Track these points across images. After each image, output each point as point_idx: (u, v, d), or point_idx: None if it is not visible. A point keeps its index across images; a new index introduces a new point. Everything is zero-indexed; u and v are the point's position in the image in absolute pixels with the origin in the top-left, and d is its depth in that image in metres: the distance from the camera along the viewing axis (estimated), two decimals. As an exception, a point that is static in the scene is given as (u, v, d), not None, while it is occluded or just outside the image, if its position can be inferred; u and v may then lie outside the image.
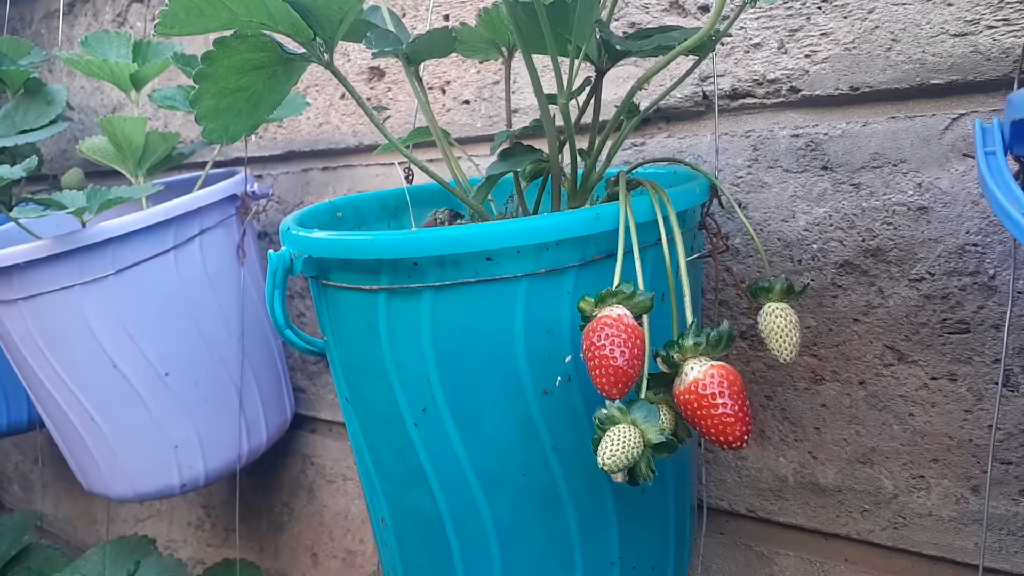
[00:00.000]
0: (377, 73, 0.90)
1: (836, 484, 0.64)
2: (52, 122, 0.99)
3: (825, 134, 0.61)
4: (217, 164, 1.02)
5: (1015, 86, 0.53)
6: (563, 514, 0.52)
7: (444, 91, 0.84)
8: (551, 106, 0.52)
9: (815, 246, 0.62)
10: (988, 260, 0.56)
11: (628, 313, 0.44)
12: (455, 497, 0.52)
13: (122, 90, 0.90)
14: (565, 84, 0.51)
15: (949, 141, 0.56)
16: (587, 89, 0.55)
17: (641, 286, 0.46)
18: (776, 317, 0.52)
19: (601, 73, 0.54)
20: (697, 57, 0.54)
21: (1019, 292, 0.55)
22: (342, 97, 0.95)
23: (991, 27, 0.54)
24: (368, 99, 0.91)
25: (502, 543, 0.52)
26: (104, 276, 0.78)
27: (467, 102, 0.83)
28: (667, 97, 0.67)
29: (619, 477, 0.42)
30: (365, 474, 0.58)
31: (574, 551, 0.53)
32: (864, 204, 0.60)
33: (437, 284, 0.48)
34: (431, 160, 0.85)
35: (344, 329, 0.54)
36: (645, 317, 0.46)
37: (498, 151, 0.56)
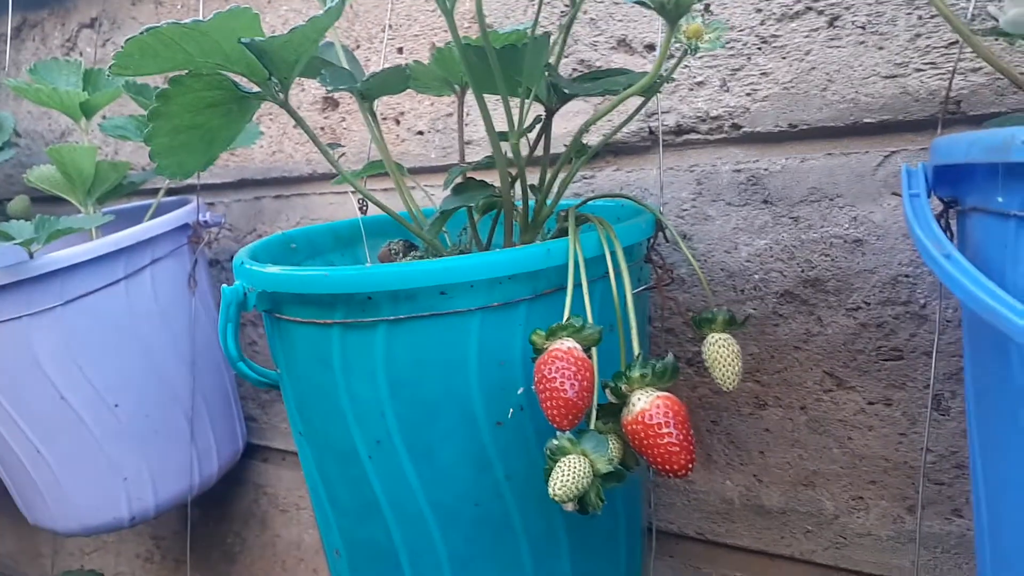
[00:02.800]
0: (331, 103, 0.91)
1: (780, 506, 0.66)
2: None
3: (765, 169, 0.64)
4: (169, 192, 1.02)
5: (939, 127, 0.56)
6: (516, 543, 0.53)
7: (398, 122, 0.85)
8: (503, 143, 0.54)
9: (757, 276, 0.65)
10: (919, 290, 0.59)
11: (578, 346, 0.45)
12: (410, 528, 0.53)
13: (72, 119, 0.89)
14: (516, 124, 0.53)
15: (882, 177, 0.59)
16: (538, 127, 0.56)
17: (590, 319, 0.48)
18: (719, 347, 0.53)
19: (551, 113, 0.55)
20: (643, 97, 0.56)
21: (947, 321, 0.57)
22: (296, 126, 0.95)
23: (919, 70, 0.57)
24: (322, 128, 0.92)
25: (456, 573, 0.53)
26: (52, 307, 0.77)
27: (421, 133, 0.84)
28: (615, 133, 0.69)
29: (570, 506, 0.43)
30: (319, 506, 0.58)
31: (527, 579, 0.54)
32: (803, 236, 0.62)
33: (391, 318, 0.49)
34: (386, 189, 0.86)
35: (298, 363, 0.54)
36: (594, 349, 0.47)
37: (451, 186, 0.57)
